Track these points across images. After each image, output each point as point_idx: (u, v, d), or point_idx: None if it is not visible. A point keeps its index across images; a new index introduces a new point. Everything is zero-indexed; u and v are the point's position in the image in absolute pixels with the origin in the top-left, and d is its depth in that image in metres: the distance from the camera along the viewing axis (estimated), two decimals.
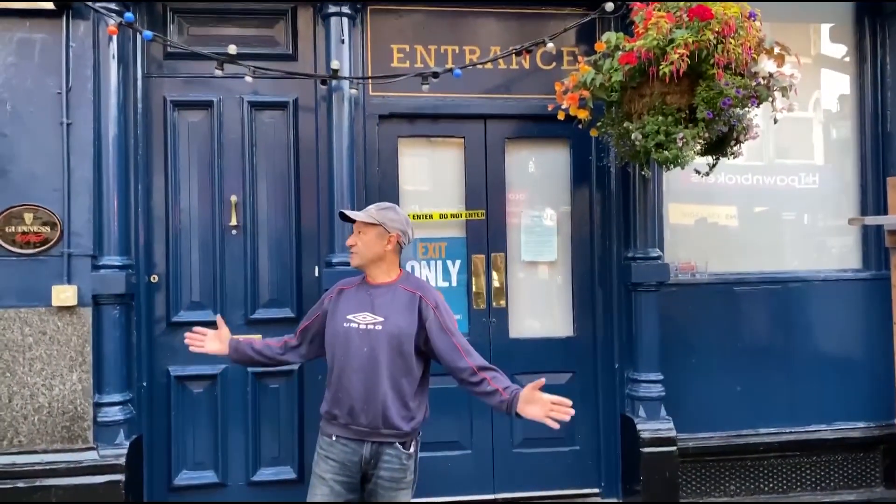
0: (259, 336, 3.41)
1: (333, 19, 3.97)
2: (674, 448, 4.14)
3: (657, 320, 4.19)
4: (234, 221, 4.13)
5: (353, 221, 2.81)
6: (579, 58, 4.03)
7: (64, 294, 3.70)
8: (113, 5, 3.75)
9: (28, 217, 3.71)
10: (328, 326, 2.76)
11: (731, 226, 4.69)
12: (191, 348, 2.94)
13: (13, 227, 3.69)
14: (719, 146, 3.62)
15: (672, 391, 4.21)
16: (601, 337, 4.41)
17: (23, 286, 3.71)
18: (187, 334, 2.97)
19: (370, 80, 4.20)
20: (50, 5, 3.66)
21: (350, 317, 2.70)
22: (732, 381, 4.43)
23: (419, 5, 4.31)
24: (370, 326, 2.66)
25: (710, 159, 3.72)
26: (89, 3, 3.70)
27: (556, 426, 2.53)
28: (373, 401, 2.63)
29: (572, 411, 2.53)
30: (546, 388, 2.61)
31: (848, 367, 4.55)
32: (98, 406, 3.76)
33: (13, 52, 3.72)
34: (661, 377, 4.19)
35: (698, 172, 3.71)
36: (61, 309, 3.72)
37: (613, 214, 4.37)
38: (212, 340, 2.95)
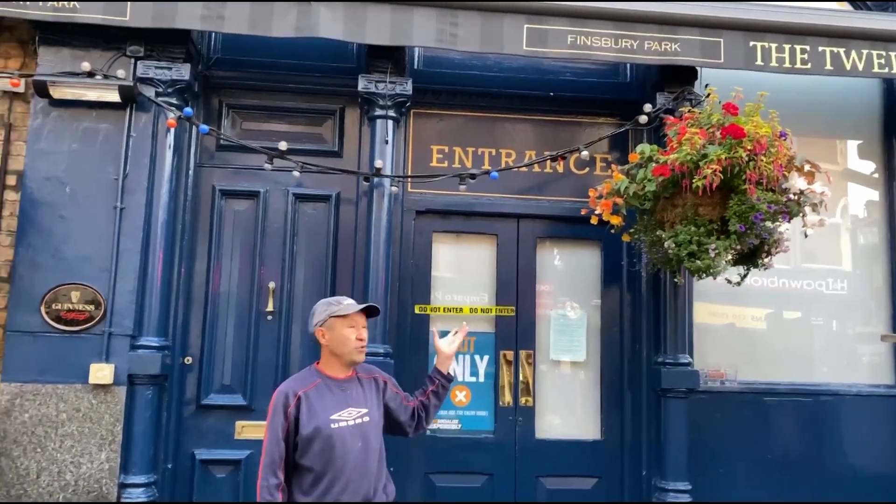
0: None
1: (379, 121, 4.18)
2: None
3: (686, 427, 4.15)
4: (270, 307, 4.23)
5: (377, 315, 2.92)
6: (612, 165, 4.18)
7: (101, 372, 3.78)
8: (173, 100, 4.01)
9: (75, 295, 3.84)
10: (305, 432, 2.61)
11: (759, 329, 4.69)
12: None
13: (60, 305, 3.82)
14: (750, 257, 3.69)
15: (700, 500, 4.12)
16: (629, 442, 4.36)
17: (62, 363, 3.79)
18: None
19: (410, 179, 4.38)
20: (116, 98, 3.91)
21: (334, 417, 2.66)
22: (762, 493, 4.32)
23: (460, 110, 4.55)
24: (358, 420, 2.70)
25: (741, 269, 3.77)
26: (153, 98, 3.95)
27: (466, 330, 3.11)
28: (366, 486, 2.67)
29: (465, 328, 3.11)
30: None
31: (881, 485, 4.42)
32: (123, 487, 3.77)
33: (78, 139, 3.96)
34: (690, 486, 4.10)
35: (730, 282, 3.75)
36: (97, 387, 3.79)
37: (643, 317, 4.40)
38: None
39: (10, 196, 4.04)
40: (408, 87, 4.17)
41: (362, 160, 4.33)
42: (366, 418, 2.72)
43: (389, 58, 4.15)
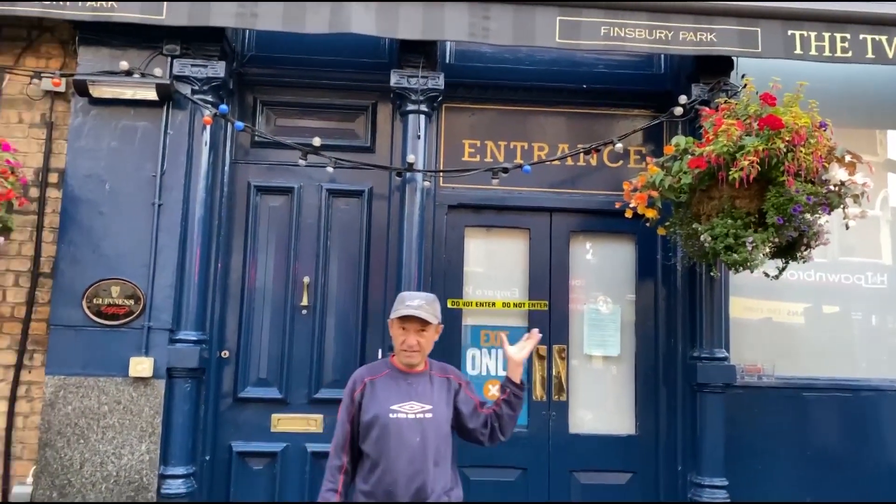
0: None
1: (411, 116, 4.19)
2: None
3: (722, 423, 4.09)
4: (304, 302, 4.27)
5: (427, 324, 2.75)
6: (647, 157, 4.14)
7: (141, 365, 3.85)
8: (209, 97, 4.05)
9: (115, 290, 3.92)
10: (365, 418, 2.70)
11: (797, 324, 4.62)
12: None
13: (101, 299, 3.90)
14: (789, 250, 3.62)
15: (736, 497, 4.06)
16: (664, 437, 4.32)
17: (103, 356, 3.87)
18: None
19: (442, 173, 4.38)
20: (154, 96, 3.97)
21: (394, 407, 2.69)
22: (800, 490, 4.25)
23: (491, 104, 4.54)
24: (419, 415, 2.70)
25: (779, 262, 3.71)
26: (189, 96, 4.01)
27: (539, 336, 2.93)
28: (418, 482, 2.64)
29: (537, 335, 2.92)
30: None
31: None
32: (163, 478, 3.84)
33: (117, 137, 4.03)
34: (727, 482, 4.05)
35: (767, 275, 3.69)
36: (137, 380, 3.86)
37: (679, 311, 4.34)
38: None
39: (53, 193, 4.14)
40: (440, 81, 4.17)
41: (394, 155, 4.35)
42: (428, 415, 2.70)
43: (421, 52, 4.15)
